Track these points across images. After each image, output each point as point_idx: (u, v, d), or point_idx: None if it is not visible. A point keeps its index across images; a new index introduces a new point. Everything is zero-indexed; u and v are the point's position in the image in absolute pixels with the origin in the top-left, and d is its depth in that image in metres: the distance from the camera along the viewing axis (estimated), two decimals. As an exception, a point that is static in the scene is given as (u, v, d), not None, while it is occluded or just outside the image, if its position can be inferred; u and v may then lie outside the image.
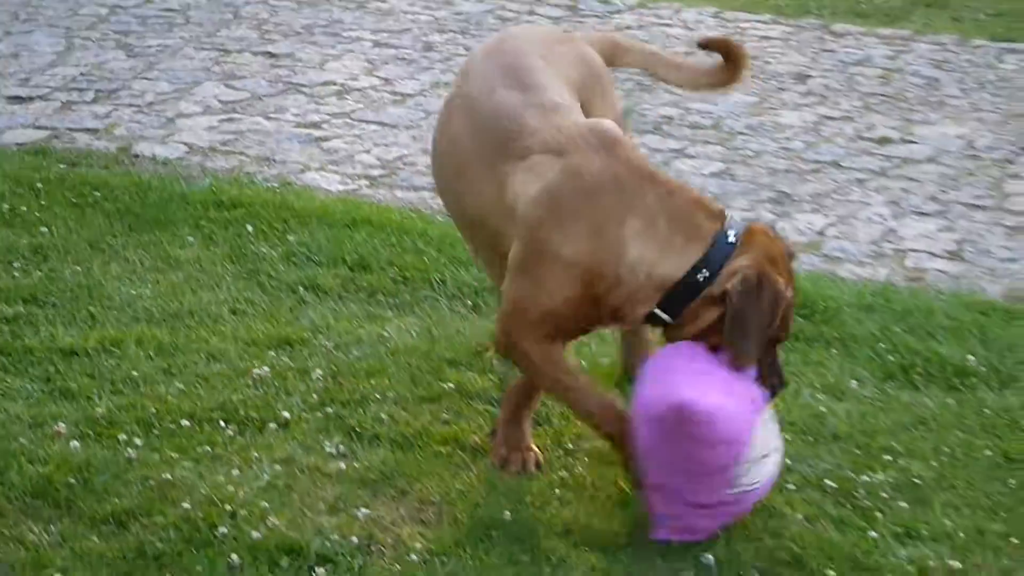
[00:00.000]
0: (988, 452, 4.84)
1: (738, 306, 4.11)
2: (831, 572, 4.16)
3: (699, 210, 4.24)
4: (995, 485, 4.67)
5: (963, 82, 9.09)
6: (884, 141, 8.03)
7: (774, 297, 4.15)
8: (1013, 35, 10.02)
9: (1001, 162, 7.76)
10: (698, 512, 4.18)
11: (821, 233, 6.79)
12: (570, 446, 4.72)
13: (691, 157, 7.71)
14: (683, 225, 4.20)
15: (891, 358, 5.46)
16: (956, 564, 4.23)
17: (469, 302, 5.78)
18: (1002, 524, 4.45)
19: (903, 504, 4.50)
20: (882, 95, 8.81)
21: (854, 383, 5.28)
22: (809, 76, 9.14)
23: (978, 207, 7.16)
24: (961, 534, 4.37)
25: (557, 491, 4.48)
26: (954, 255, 6.62)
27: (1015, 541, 4.36)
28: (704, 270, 4.17)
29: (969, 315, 5.83)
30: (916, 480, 4.64)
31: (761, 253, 4.20)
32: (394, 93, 8.34)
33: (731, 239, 4.21)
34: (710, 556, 4.17)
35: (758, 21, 10.27)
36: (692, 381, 4.11)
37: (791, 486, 4.52)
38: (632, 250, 4.18)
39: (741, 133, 8.08)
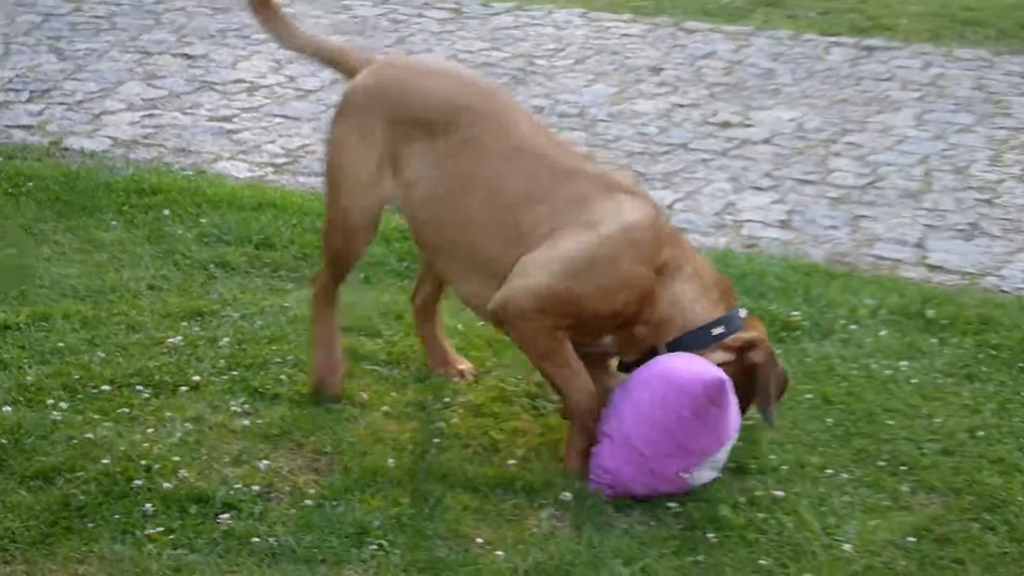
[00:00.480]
0: (809, 395, 4.90)
1: (766, 373, 4.34)
2: (672, 504, 4.20)
3: (724, 283, 4.43)
4: (814, 424, 4.73)
5: (795, 72, 9.16)
6: (726, 125, 8.08)
7: (783, 375, 4.47)
8: (838, 30, 10.10)
9: (826, 142, 7.84)
10: (648, 479, 4.19)
11: (671, 207, 6.83)
12: (447, 400, 4.73)
13: (558, 142, 7.70)
14: (716, 287, 4.36)
15: (728, 316, 5.50)
16: (780, 493, 4.29)
17: (361, 275, 5.75)
18: (819, 457, 4.52)
19: (737, 443, 4.55)
20: (725, 84, 8.86)
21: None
22: (663, 69, 9.17)
23: (806, 182, 7.23)
24: (784, 467, 4.44)
25: (435, 440, 4.50)
26: (784, 224, 6.68)
27: (830, 471, 4.44)
28: (722, 327, 4.32)
29: (796, 276, 5.90)
30: (747, 421, 4.69)
31: (763, 334, 4.45)
32: (297, 89, 8.30)
33: (742, 315, 4.43)
34: (568, 493, 4.21)
35: (619, 20, 10.28)
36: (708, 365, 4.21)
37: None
38: (680, 285, 4.29)
39: (603, 120, 8.11)
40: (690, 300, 4.30)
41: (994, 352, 5.32)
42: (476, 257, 4.37)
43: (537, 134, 4.44)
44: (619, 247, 4.20)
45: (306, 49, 4.88)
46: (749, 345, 4.35)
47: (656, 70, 9.14)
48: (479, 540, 3.97)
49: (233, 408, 4.59)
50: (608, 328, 4.31)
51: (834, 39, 9.96)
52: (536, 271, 4.21)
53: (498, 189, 4.32)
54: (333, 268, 4.75)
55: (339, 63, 4.81)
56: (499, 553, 3.92)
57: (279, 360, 4.92)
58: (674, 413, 4.12)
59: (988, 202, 7.04)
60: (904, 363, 5.19)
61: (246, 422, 4.51)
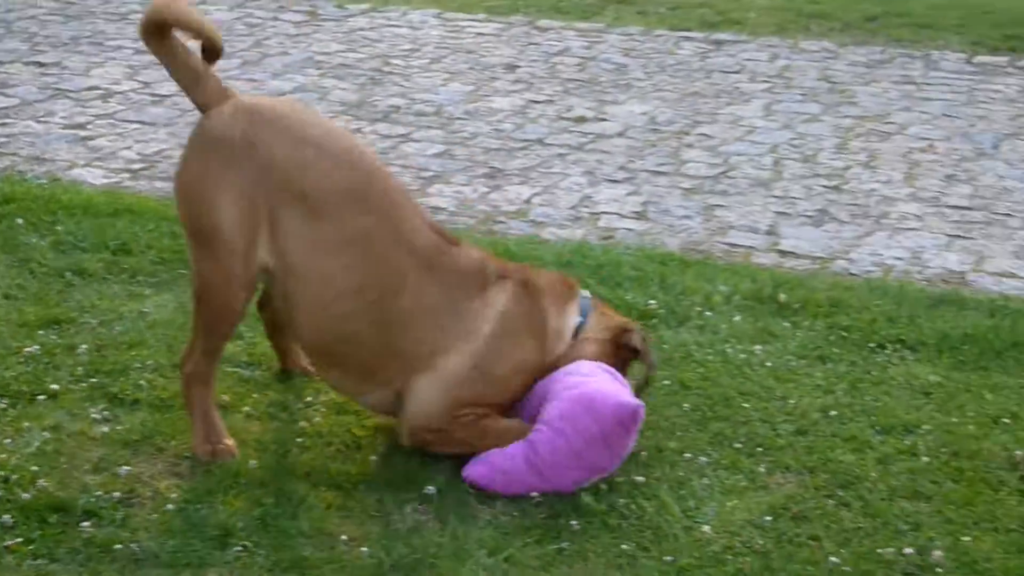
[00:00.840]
0: (667, 382, 4.93)
1: (648, 348, 4.52)
2: (534, 493, 4.19)
3: (559, 279, 4.55)
4: (672, 409, 4.76)
5: (647, 67, 9.24)
6: (581, 120, 8.13)
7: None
8: (688, 25, 10.23)
9: (679, 134, 7.92)
10: (537, 483, 4.20)
11: (528, 202, 6.85)
12: (308, 399, 4.69)
13: (416, 141, 7.70)
14: (556, 287, 4.48)
15: (586, 307, 5.53)
16: (640, 478, 4.30)
17: (220, 278, 5.69)
18: (677, 442, 4.55)
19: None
20: (579, 80, 8.91)
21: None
22: (518, 66, 9.20)
23: (660, 173, 7.29)
24: (644, 453, 4.45)
25: (298, 440, 4.45)
26: (640, 215, 6.73)
27: (688, 455, 4.47)
28: (577, 316, 4.47)
29: (651, 266, 5.94)
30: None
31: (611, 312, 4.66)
32: (153, 95, 8.19)
33: (586, 296, 4.57)
34: (432, 487, 4.19)
35: (474, 20, 10.31)
36: (625, 390, 4.35)
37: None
38: (553, 322, 4.41)
39: (459, 118, 8.11)
40: (557, 322, 4.41)
41: (844, 334, 5.39)
42: (364, 370, 4.30)
43: (414, 228, 4.26)
44: (503, 344, 4.28)
45: (176, 63, 4.27)
46: (623, 331, 4.50)
47: (511, 67, 9.16)
48: (344, 537, 3.93)
49: (92, 415, 4.49)
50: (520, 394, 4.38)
51: (684, 34, 10.09)
52: (432, 393, 4.23)
53: (379, 298, 4.21)
54: (210, 337, 4.29)
55: (192, 88, 4.28)
56: (364, 549, 3.89)
57: (139, 365, 4.83)
58: (585, 431, 4.16)
59: (836, 188, 7.15)
60: (758, 347, 5.25)
61: (106, 429, 4.42)
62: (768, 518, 4.12)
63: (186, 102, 7.65)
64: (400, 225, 4.23)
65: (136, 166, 7.12)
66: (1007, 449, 4.52)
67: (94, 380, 4.72)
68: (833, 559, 3.90)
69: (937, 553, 3.93)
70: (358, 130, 7.78)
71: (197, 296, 4.29)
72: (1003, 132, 8.12)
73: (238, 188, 4.11)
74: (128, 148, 7.35)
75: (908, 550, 3.95)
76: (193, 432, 4.29)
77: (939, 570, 3.86)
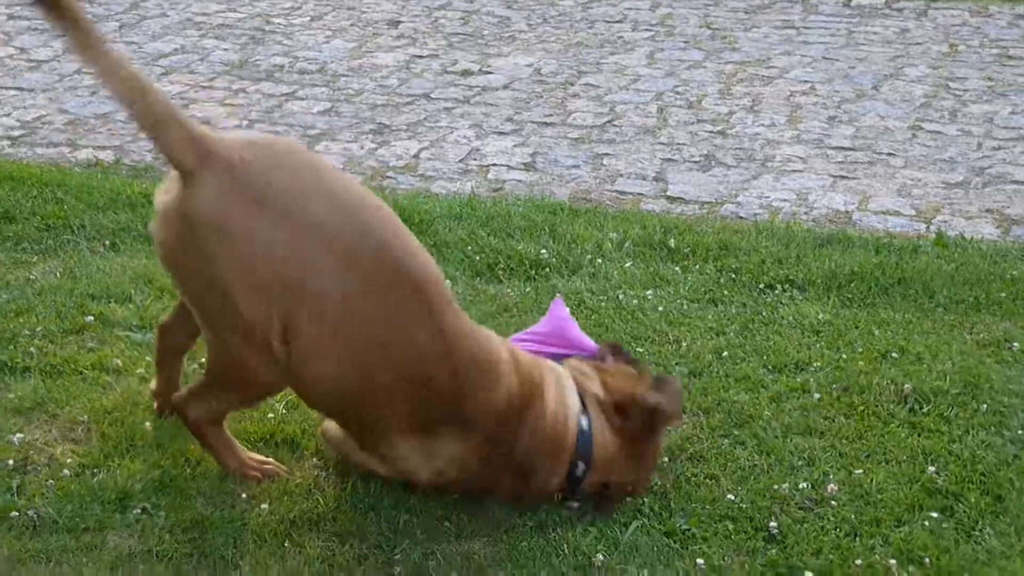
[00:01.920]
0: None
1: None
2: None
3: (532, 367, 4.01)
4: (570, 357, 4.79)
5: (530, 18, 9.25)
6: (466, 73, 8.12)
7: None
8: (570, -25, 10.24)
9: (564, 84, 7.94)
10: None
11: (416, 156, 6.83)
12: (202, 360, 4.64)
13: (301, 99, 7.65)
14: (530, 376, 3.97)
15: (478, 258, 5.54)
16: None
17: (107, 242, 5.62)
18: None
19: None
20: (463, 34, 8.90)
21: (447, 282, 5.33)
22: (400, 21, 9.16)
23: (547, 124, 7.31)
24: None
25: (193, 400, 4.40)
26: (528, 166, 6.74)
27: (585, 402, 4.50)
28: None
29: (541, 216, 5.95)
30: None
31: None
32: (30, 60, 8.01)
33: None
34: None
35: (354, -24, 10.23)
36: None
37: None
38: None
39: (343, 75, 8.06)
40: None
41: (734, 276, 5.45)
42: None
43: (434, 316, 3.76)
44: (498, 436, 3.86)
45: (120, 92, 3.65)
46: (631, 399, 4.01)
47: (394, 23, 9.12)
48: (243, 496, 3.91)
49: (-18, 384, 4.43)
50: None
51: (566, -15, 10.08)
52: (428, 464, 3.89)
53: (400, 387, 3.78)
54: (231, 401, 3.95)
55: (159, 140, 3.62)
56: (264, 506, 3.87)
57: (28, 333, 4.76)
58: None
59: (721, 133, 7.22)
60: (650, 292, 5.29)
61: (-4, 398, 4.36)
62: (666, 459, 4.16)
63: (64, 67, 7.60)
64: (419, 320, 3.73)
65: (16, 133, 7.00)
66: (895, 383, 4.60)
67: (-18, 349, 4.65)
68: (730, 496, 3.95)
69: (832, 487, 3.99)
70: (241, 90, 7.71)
71: (219, 373, 3.86)
72: (882, 73, 8.24)
73: (244, 281, 3.59)
74: (7, 115, 7.22)
75: (803, 484, 4.01)
76: (224, 463, 3.99)
77: (834, 503, 3.93)
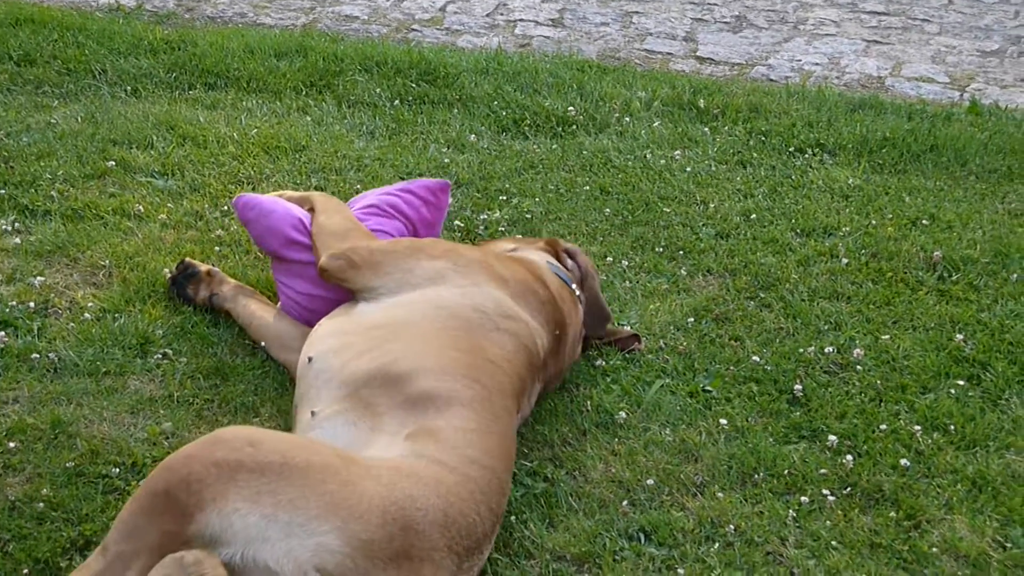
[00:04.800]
0: (587, 187, 4.90)
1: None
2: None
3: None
4: (593, 214, 4.74)
5: None
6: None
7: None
8: None
9: (594, -60, 7.78)
10: None
11: (442, 10, 6.72)
12: (225, 208, 4.61)
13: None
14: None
15: (504, 113, 5.47)
16: (562, 284, 4.28)
17: (129, 88, 5.56)
18: (600, 246, 4.54)
19: (518, 234, 4.55)
20: None
21: (473, 137, 5.28)
22: None
23: (576, -20, 7.18)
24: (566, 258, 4.43)
25: (215, 248, 4.37)
26: (556, 23, 6.64)
27: (610, 259, 4.46)
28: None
29: (569, 73, 5.87)
30: (528, 215, 4.69)
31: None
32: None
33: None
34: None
35: None
36: None
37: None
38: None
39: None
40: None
41: (764, 138, 5.38)
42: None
43: None
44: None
45: None
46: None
47: None
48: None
49: (3, 226, 4.38)
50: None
51: None
52: None
53: None
54: None
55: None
56: (287, 355, 3.85)
57: (49, 176, 4.71)
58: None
59: (753, -5, 7.09)
60: (678, 152, 5.22)
61: (17, 240, 4.31)
62: (691, 320, 4.13)
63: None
64: None
65: (36, -25, 6.89)
66: (925, 250, 4.55)
67: (3, 191, 4.60)
68: (756, 358, 3.92)
69: (858, 351, 3.96)
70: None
71: None
72: (920, -62, 8.07)
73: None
74: (27, -44, 7.10)
75: (829, 349, 3.97)
76: None
77: (859, 368, 3.90)
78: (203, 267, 4.03)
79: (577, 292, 3.87)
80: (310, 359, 3.39)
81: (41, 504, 3.16)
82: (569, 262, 3.98)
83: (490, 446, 3.10)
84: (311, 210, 3.94)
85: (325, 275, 3.69)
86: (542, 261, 3.88)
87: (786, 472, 3.44)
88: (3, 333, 3.81)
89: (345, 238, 3.77)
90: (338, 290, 3.73)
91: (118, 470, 3.29)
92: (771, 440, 3.57)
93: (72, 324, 3.90)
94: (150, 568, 2.69)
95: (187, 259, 4.07)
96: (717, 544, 3.20)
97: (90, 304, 4.00)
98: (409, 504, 2.81)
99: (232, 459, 2.75)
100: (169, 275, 4.07)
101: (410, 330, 3.39)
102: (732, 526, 3.25)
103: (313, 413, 3.22)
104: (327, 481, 2.77)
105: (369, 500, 2.77)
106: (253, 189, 4.74)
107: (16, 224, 4.42)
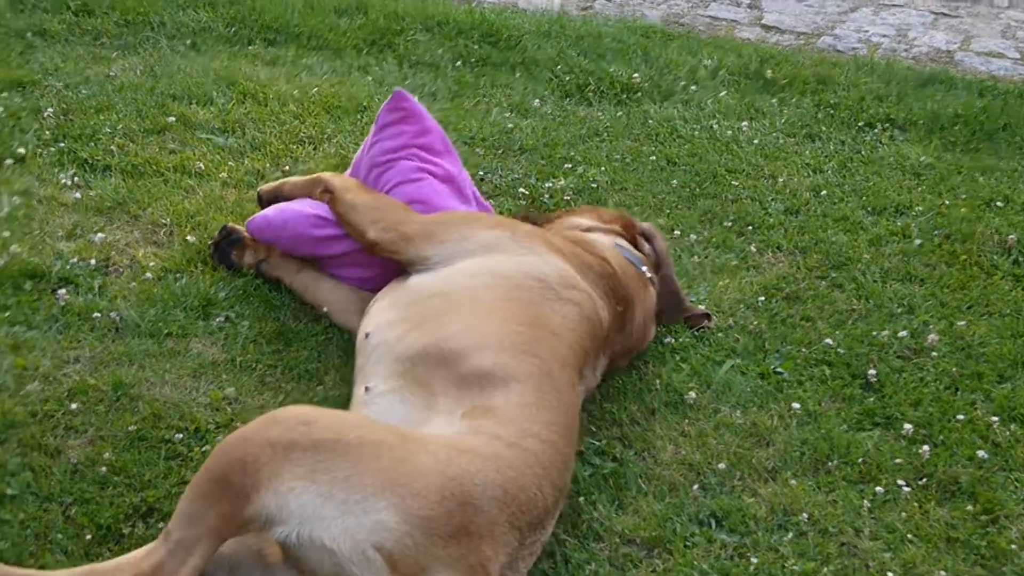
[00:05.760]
0: (653, 157, 4.82)
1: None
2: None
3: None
4: (660, 185, 4.66)
5: None
6: None
7: None
8: None
9: (658, -98, 7.65)
10: None
11: (503, -31, 6.62)
12: (286, 168, 4.54)
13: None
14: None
15: (568, 78, 5.38)
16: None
17: (188, 41, 5.48)
18: (666, 219, 4.46)
19: (584, 203, 4.47)
20: None
21: (536, 102, 5.20)
22: None
23: (639, -57, 7.06)
24: (632, 230, 4.35)
25: (276, 209, 4.30)
26: (620, -14, 6.54)
27: (677, 233, 4.38)
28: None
29: (633, 38, 5.78)
30: (593, 184, 4.61)
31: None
32: None
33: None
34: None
35: None
36: None
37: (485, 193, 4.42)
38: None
39: None
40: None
41: (832, 112, 5.28)
42: None
43: None
44: None
45: None
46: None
47: None
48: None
49: (63, 181, 4.32)
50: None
51: None
52: None
53: None
54: None
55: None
56: (350, 322, 3.78)
57: (108, 130, 4.65)
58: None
59: (820, -38, 6.96)
60: (745, 123, 5.13)
61: (77, 195, 4.25)
62: (761, 298, 4.04)
63: None
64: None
65: (94, -78, 6.80)
66: (999, 233, 4.45)
67: (62, 145, 4.54)
68: (828, 340, 3.83)
69: (932, 337, 3.87)
70: None
71: None
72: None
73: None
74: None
75: (903, 333, 3.88)
76: None
77: (934, 354, 3.81)
78: (246, 233, 3.95)
79: (648, 274, 3.78)
80: (367, 335, 3.32)
81: (104, 468, 3.10)
82: (646, 246, 3.89)
83: (550, 420, 3.04)
84: (325, 191, 3.82)
85: (376, 249, 3.62)
86: (608, 242, 3.79)
87: (860, 460, 3.36)
88: (64, 290, 3.75)
89: (386, 211, 3.69)
90: (388, 265, 3.64)
91: (181, 435, 3.24)
92: (844, 426, 3.49)
93: (133, 283, 3.84)
94: (212, 551, 2.66)
95: (230, 224, 4.00)
96: (790, 533, 3.13)
97: (151, 263, 3.94)
98: (467, 480, 2.75)
99: (286, 438, 2.70)
100: (211, 241, 4.00)
101: (468, 301, 3.32)
102: (805, 515, 3.18)
103: (367, 389, 3.16)
104: (381, 457, 2.71)
105: (426, 476, 2.72)
106: (315, 149, 4.67)
107: (76, 178, 4.36)
